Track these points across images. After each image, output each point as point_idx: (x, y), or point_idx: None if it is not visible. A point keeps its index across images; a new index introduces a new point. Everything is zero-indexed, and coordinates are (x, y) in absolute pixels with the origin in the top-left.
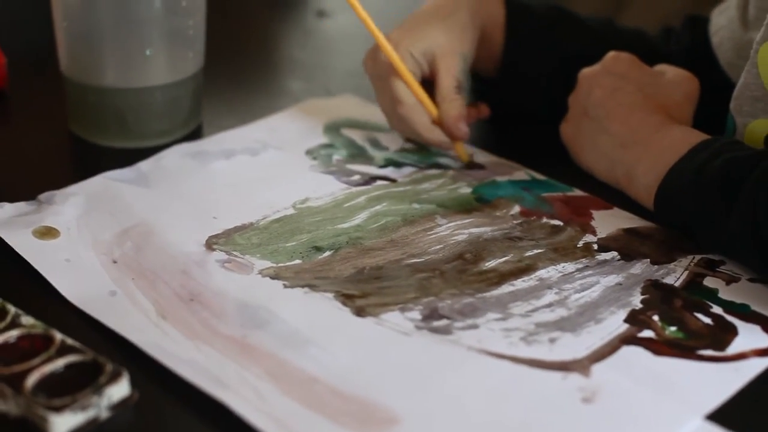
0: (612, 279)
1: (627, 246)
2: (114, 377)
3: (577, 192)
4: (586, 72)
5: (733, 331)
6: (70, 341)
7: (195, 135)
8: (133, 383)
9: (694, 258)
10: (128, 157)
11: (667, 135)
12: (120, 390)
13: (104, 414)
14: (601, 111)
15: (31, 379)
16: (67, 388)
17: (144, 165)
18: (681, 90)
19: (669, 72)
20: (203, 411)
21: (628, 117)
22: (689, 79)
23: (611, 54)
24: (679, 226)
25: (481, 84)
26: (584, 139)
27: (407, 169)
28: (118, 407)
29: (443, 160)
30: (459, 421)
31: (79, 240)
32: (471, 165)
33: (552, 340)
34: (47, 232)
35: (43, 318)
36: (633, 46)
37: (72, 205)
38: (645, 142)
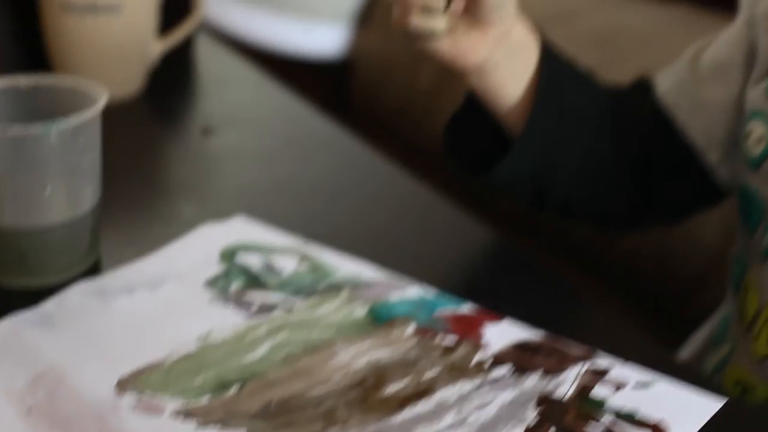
0: (507, 395)
1: (519, 359)
2: None
3: (468, 306)
4: None
5: None
6: None
7: (95, 268)
8: None
9: (583, 366)
10: (29, 297)
11: None
12: None
13: None
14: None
15: None
16: None
17: (48, 306)
18: None
19: None
20: None
21: None
22: None
23: None
24: None
25: None
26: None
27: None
28: None
29: (337, 279)
30: None
31: None
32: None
33: None
34: None
35: None
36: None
37: None
38: None
